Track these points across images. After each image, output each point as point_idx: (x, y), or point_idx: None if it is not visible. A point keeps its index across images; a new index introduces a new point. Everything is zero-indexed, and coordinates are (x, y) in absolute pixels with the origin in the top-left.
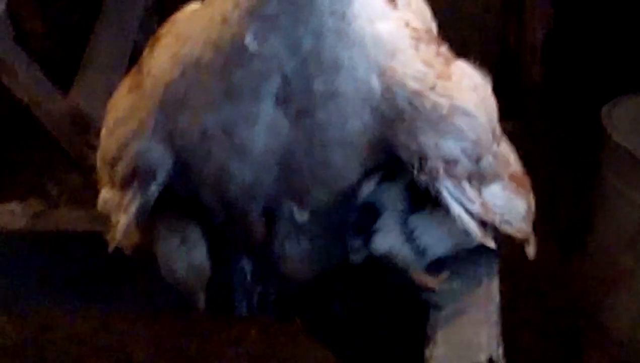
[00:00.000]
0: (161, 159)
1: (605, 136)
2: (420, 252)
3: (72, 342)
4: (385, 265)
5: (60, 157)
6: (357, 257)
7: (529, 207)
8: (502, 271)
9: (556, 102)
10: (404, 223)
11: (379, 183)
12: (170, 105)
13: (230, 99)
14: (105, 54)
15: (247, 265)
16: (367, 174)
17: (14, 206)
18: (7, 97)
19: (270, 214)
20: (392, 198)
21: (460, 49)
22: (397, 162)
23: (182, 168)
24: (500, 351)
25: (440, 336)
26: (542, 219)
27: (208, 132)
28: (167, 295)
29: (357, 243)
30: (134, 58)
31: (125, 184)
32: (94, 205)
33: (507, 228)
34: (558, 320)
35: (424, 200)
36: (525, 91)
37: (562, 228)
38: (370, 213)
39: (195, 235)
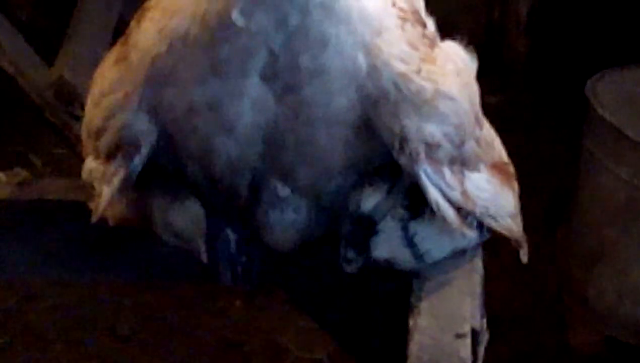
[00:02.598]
0: (146, 132)
1: (589, 110)
2: (420, 256)
3: (57, 312)
4: (383, 268)
5: (44, 128)
6: (351, 268)
7: (516, 203)
8: (487, 245)
9: (541, 76)
10: (404, 229)
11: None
12: (157, 79)
13: (217, 74)
14: (91, 24)
15: (231, 234)
16: (370, 184)
17: None
18: None
19: (255, 187)
20: (391, 205)
21: (446, 23)
22: (394, 165)
23: (168, 142)
24: (484, 322)
25: (424, 307)
26: (526, 193)
27: (194, 106)
28: (152, 266)
29: (351, 254)
30: (119, 29)
31: (109, 156)
32: (79, 175)
33: (492, 223)
34: (542, 294)
35: (423, 206)
36: (510, 65)
37: (547, 202)
38: (365, 224)
39: (186, 191)
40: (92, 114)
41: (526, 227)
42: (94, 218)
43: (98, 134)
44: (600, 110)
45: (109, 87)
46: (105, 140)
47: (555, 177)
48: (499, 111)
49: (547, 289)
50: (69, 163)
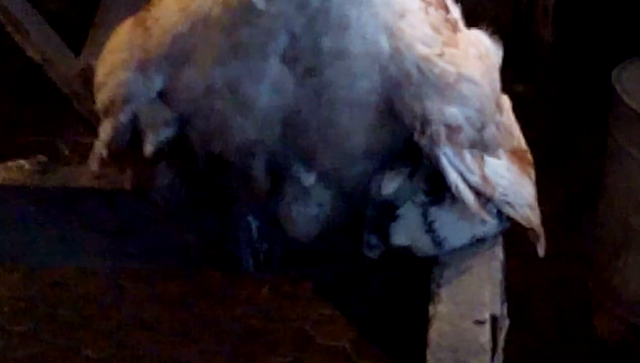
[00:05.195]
0: (142, 93)
1: (615, 98)
2: (439, 243)
3: (82, 300)
4: (403, 255)
5: (72, 117)
6: (373, 253)
7: (534, 194)
8: (512, 234)
9: (567, 65)
10: (424, 215)
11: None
12: (177, 58)
13: (237, 56)
14: (118, 13)
15: (253, 222)
16: (391, 169)
17: (22, 162)
18: (20, 57)
19: (277, 174)
20: (412, 190)
21: (473, 12)
22: (415, 151)
23: (185, 122)
24: (504, 309)
25: (444, 293)
26: (552, 181)
27: (213, 87)
28: (176, 253)
29: (373, 240)
30: None
31: (105, 111)
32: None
33: (510, 211)
34: (568, 282)
35: (443, 192)
36: (536, 53)
37: (573, 191)
38: (387, 209)
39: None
40: (97, 69)
41: (552, 215)
42: (92, 167)
43: (98, 89)
44: (626, 99)
45: (117, 46)
46: (102, 96)
47: (581, 165)
48: (525, 100)
49: (572, 277)
50: None
